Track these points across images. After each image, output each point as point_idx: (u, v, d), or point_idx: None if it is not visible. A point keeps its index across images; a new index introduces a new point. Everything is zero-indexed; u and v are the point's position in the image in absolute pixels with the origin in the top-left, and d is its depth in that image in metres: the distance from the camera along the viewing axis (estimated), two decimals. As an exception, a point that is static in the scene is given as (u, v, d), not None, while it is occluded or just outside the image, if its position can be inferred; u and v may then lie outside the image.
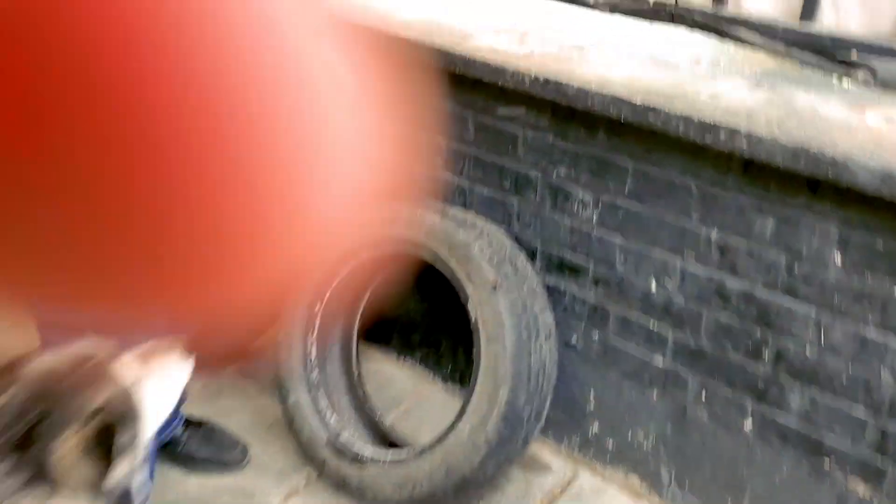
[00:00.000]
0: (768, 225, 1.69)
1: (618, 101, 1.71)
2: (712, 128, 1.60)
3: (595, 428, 2.12)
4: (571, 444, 2.19)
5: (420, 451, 1.94)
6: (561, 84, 1.79)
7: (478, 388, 1.83)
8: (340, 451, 2.00)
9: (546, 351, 1.90)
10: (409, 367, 2.45)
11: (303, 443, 2.05)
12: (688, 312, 1.84)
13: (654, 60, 1.91)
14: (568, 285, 2.03)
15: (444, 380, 2.38)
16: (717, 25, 2.06)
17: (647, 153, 1.79)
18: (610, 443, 2.10)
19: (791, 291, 1.70)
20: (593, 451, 2.14)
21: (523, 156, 1.99)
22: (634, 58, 1.92)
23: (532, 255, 2.06)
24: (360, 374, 2.26)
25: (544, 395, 1.91)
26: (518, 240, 2.08)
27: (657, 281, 1.87)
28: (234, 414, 2.24)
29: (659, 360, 1.93)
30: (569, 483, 2.13)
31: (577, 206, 1.94)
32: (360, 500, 1.96)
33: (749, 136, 1.56)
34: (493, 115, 2.01)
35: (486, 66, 1.89)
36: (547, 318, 1.97)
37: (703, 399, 1.88)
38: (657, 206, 1.81)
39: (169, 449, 2.10)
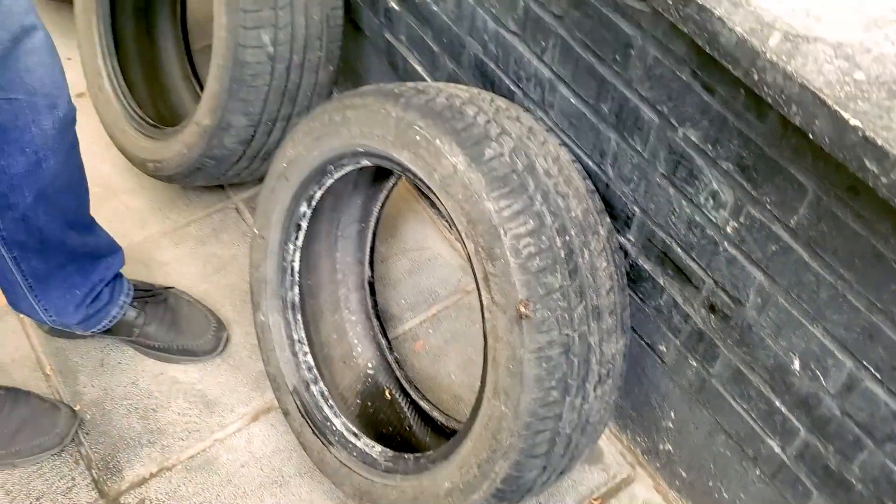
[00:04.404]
0: None
1: (816, 101, 0.79)
2: None
3: (667, 447, 1.47)
4: (635, 443, 1.57)
5: (419, 464, 1.40)
6: (707, 13, 0.85)
7: (464, 450, 1.21)
8: (307, 410, 1.48)
9: (596, 395, 1.20)
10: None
11: (269, 375, 1.54)
12: (841, 428, 1.07)
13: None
14: (669, 285, 1.25)
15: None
16: None
17: (850, 193, 0.89)
18: (682, 472, 1.46)
19: None
20: (659, 464, 1.52)
21: (636, 77, 1.10)
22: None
23: (626, 223, 1.26)
24: (371, 282, 1.64)
25: (581, 447, 1.26)
26: (606, 195, 1.26)
27: (803, 364, 1.08)
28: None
29: (775, 448, 1.21)
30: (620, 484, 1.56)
31: (706, 198, 1.09)
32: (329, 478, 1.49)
33: None
34: (600, -11, 1.08)
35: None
36: (624, 317, 1.24)
37: (825, 526, 1.18)
38: (839, 274, 0.95)
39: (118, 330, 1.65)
